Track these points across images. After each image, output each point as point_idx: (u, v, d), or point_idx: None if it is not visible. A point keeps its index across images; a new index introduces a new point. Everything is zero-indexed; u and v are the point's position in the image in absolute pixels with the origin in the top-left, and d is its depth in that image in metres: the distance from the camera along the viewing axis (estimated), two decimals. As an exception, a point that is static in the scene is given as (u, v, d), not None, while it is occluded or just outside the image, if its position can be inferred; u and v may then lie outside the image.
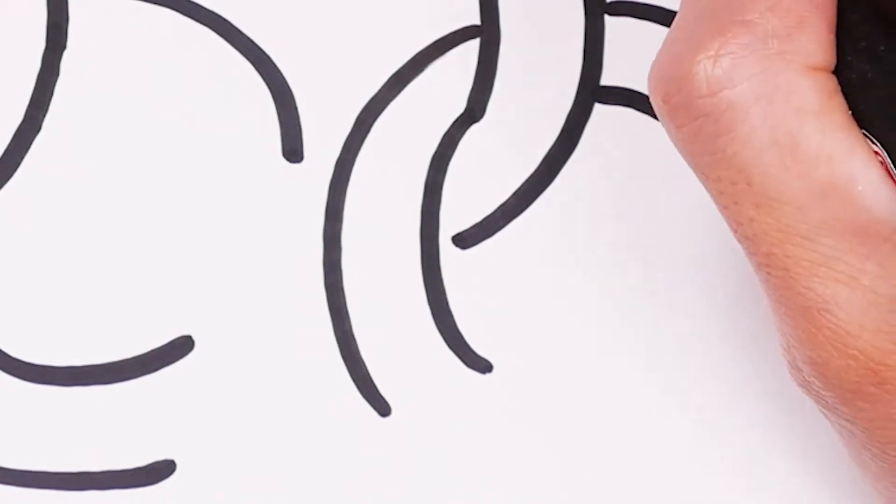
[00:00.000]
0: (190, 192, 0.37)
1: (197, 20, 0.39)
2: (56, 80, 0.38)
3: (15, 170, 0.38)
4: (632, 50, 0.39)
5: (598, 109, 0.38)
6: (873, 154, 0.26)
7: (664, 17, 0.39)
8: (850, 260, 0.26)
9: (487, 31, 0.39)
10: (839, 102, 0.26)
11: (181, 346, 0.36)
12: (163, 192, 0.37)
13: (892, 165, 0.26)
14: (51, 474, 0.36)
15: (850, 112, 0.26)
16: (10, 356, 0.36)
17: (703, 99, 0.26)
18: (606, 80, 0.39)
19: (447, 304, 0.37)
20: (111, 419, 0.36)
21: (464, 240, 0.37)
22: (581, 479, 0.36)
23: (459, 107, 0.38)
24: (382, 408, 0.36)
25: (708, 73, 0.26)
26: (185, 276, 0.37)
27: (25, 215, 0.37)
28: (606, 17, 0.39)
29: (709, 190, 0.27)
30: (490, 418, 0.36)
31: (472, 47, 0.39)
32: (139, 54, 0.38)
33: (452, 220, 0.38)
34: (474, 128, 0.38)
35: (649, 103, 0.38)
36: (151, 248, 0.37)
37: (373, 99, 0.38)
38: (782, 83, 0.26)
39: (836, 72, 0.27)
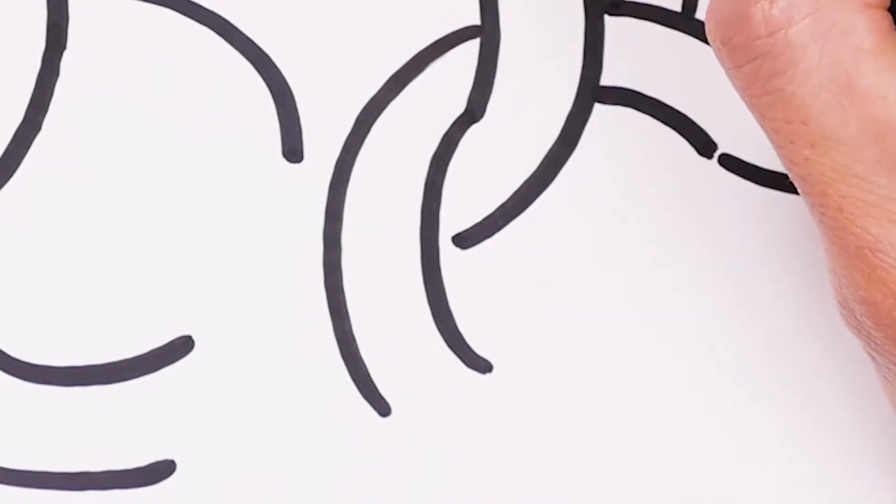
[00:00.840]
0: (190, 192, 0.37)
1: (197, 20, 0.39)
2: (56, 80, 0.38)
3: (15, 170, 0.38)
4: (632, 50, 0.39)
5: (598, 109, 0.38)
6: None
7: (664, 17, 0.39)
8: None
9: (487, 31, 0.39)
10: (894, 42, 0.27)
11: (181, 346, 0.36)
12: (163, 192, 0.37)
13: None
14: (51, 474, 0.35)
15: None
16: (10, 356, 0.36)
17: (762, 39, 0.27)
18: (606, 80, 0.39)
19: (447, 304, 0.37)
20: (111, 419, 0.36)
21: (464, 240, 0.37)
22: (581, 479, 0.36)
23: (459, 107, 0.38)
24: (382, 408, 0.36)
25: (766, 14, 0.27)
26: (185, 276, 0.37)
27: (25, 215, 0.37)
28: (606, 17, 0.39)
29: (765, 129, 0.28)
30: (490, 418, 0.36)
31: (472, 47, 0.39)
32: (139, 54, 0.38)
33: (452, 220, 0.38)
34: (474, 128, 0.38)
35: (649, 103, 0.38)
36: (151, 249, 0.37)
37: (373, 99, 0.38)
38: (838, 21, 0.26)
39: (892, 9, 0.27)
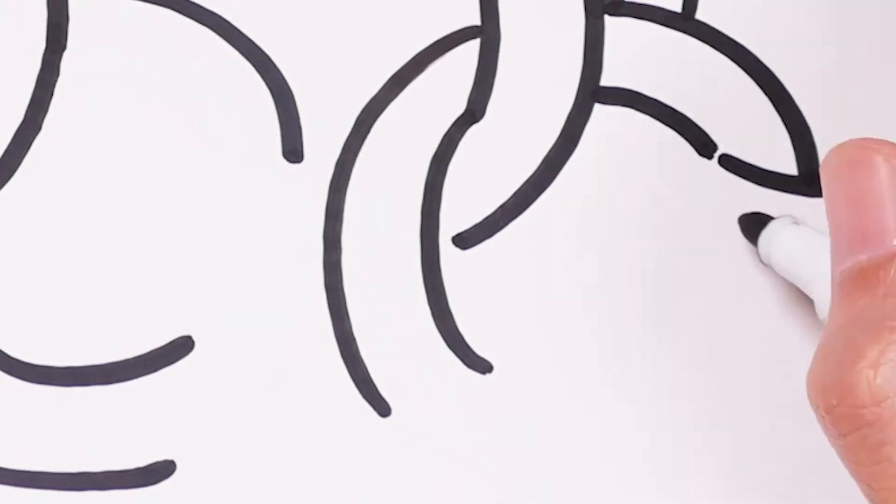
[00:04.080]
0: (190, 192, 0.37)
1: (197, 20, 0.39)
2: (56, 80, 0.38)
3: (15, 170, 0.38)
4: (632, 50, 0.39)
5: (598, 109, 0.38)
6: None
7: (664, 17, 0.39)
8: None
9: (487, 31, 0.39)
10: None
11: (181, 346, 0.36)
12: (163, 192, 0.37)
13: None
14: (51, 474, 0.35)
15: None
16: (10, 356, 0.36)
17: (868, 409, 0.26)
18: (606, 80, 0.39)
19: (447, 304, 0.37)
20: (111, 419, 0.36)
21: (464, 240, 0.37)
22: (581, 479, 0.36)
23: (459, 107, 0.38)
24: (382, 408, 0.36)
25: (870, 382, 0.26)
26: (185, 276, 0.37)
27: (25, 215, 0.37)
28: (606, 17, 0.39)
29: (870, 498, 0.27)
30: (490, 418, 0.36)
31: (472, 47, 0.39)
32: (139, 54, 0.38)
33: (452, 220, 0.38)
34: (474, 128, 0.38)
35: (649, 103, 0.38)
36: (151, 249, 0.37)
37: (373, 99, 0.38)
38: None
39: None
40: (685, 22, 0.39)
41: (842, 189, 0.28)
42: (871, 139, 0.27)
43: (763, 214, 0.37)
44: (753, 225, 0.37)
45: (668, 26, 0.39)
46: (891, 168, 0.27)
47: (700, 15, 0.39)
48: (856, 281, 0.27)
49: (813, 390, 0.27)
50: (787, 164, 0.38)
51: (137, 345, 0.36)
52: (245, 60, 0.38)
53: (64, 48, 0.38)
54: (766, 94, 0.38)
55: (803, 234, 0.35)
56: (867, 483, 0.26)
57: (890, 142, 0.27)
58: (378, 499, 0.36)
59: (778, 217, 0.36)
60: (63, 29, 0.39)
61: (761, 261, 0.36)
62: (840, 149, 0.28)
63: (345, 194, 0.38)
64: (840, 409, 0.26)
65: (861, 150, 0.27)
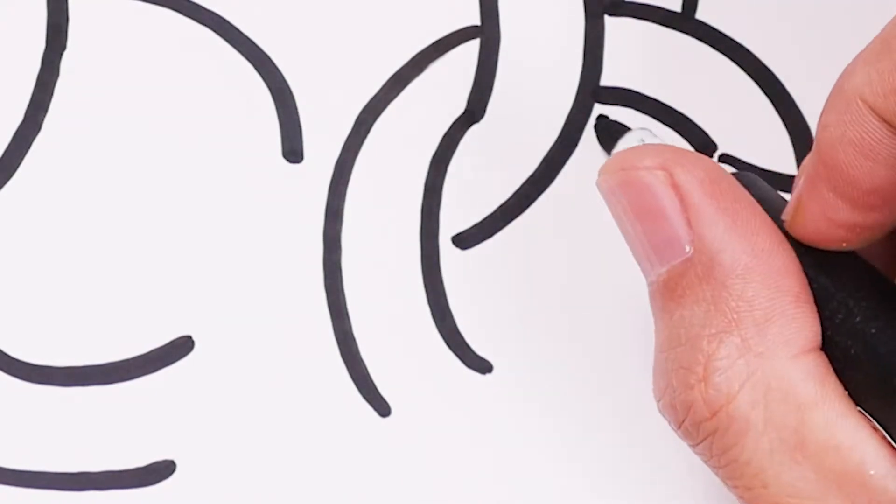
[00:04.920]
0: (190, 192, 0.37)
1: (197, 20, 0.39)
2: (56, 80, 0.38)
3: (15, 170, 0.38)
4: (632, 50, 0.39)
5: (598, 109, 0.38)
6: (875, 432, 0.26)
7: (664, 17, 0.39)
8: None
9: (487, 31, 0.39)
10: (834, 386, 0.26)
11: (181, 346, 0.36)
12: (163, 192, 0.38)
13: (894, 441, 0.26)
14: (50, 474, 0.35)
15: (846, 391, 0.26)
16: (9, 356, 0.36)
17: (707, 421, 0.27)
18: (606, 80, 0.39)
19: (447, 304, 0.37)
20: (111, 419, 0.36)
21: (464, 240, 0.37)
22: (581, 479, 0.36)
23: (459, 107, 0.38)
24: (382, 408, 0.36)
25: (704, 396, 0.27)
26: (185, 276, 0.37)
27: (25, 215, 0.37)
28: (606, 17, 0.39)
29: (732, 493, 0.28)
30: (490, 418, 0.36)
31: (472, 47, 0.39)
32: (139, 54, 0.38)
33: (452, 220, 0.38)
34: (474, 128, 0.38)
35: (649, 103, 0.38)
36: (151, 249, 0.37)
37: (373, 99, 0.38)
38: (773, 382, 0.26)
39: (824, 347, 0.27)
40: (685, 22, 0.39)
41: (622, 209, 0.28)
42: (629, 151, 0.28)
43: (619, 124, 0.36)
44: (608, 134, 0.36)
45: (668, 26, 0.39)
46: (657, 178, 0.27)
47: (700, 15, 0.39)
48: (664, 293, 0.28)
49: (660, 408, 0.28)
50: (787, 164, 0.38)
51: (137, 345, 0.36)
52: (245, 60, 0.38)
53: (64, 48, 0.38)
54: (766, 94, 0.38)
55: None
56: (723, 480, 0.28)
57: (648, 149, 0.28)
58: (378, 499, 0.36)
59: (633, 129, 0.36)
60: (63, 29, 0.39)
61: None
62: (606, 169, 0.29)
63: (345, 194, 0.38)
64: (686, 424, 0.28)
65: (625, 170, 0.28)
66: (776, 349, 0.26)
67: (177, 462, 0.36)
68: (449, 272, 0.37)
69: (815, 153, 0.27)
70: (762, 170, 0.38)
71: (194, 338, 0.37)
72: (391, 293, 0.37)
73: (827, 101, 0.27)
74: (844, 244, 0.27)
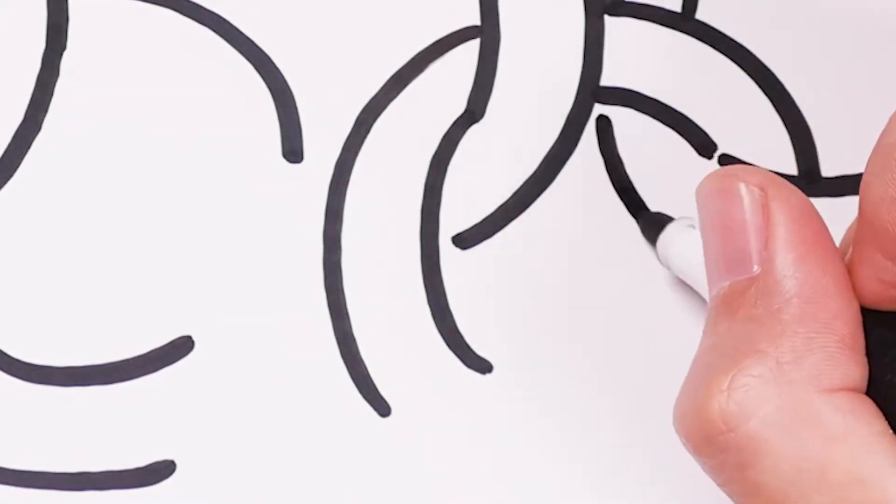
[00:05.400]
0: (190, 192, 0.37)
1: (197, 20, 0.39)
2: (56, 81, 0.38)
3: (15, 170, 0.38)
4: (632, 50, 0.39)
5: (598, 109, 0.38)
6: None
7: (664, 17, 0.39)
8: None
9: (487, 31, 0.39)
10: (867, 419, 0.26)
11: (181, 346, 0.36)
12: (163, 192, 0.38)
13: None
14: (50, 474, 0.35)
15: (885, 424, 0.26)
16: (9, 356, 0.36)
17: (723, 435, 0.26)
18: (606, 80, 0.39)
19: (447, 304, 0.37)
20: (111, 419, 0.36)
21: (464, 240, 0.37)
22: (581, 479, 0.36)
23: (459, 107, 0.38)
24: (382, 408, 0.36)
25: (723, 409, 0.26)
26: (185, 276, 0.37)
27: (25, 215, 0.37)
28: (606, 17, 0.39)
29: None
30: (490, 418, 0.36)
31: (472, 47, 0.39)
32: (139, 54, 0.38)
33: (452, 220, 0.38)
34: (474, 128, 0.38)
35: (649, 103, 0.38)
36: (151, 249, 0.37)
37: (373, 99, 0.38)
38: (801, 410, 0.26)
39: (870, 382, 0.27)
40: (685, 22, 0.39)
41: (710, 216, 0.28)
42: (738, 166, 0.28)
43: (662, 215, 0.37)
44: (652, 226, 0.36)
45: (668, 26, 0.39)
46: (752, 195, 0.27)
47: (700, 15, 0.39)
48: (720, 305, 0.28)
49: (675, 418, 0.27)
50: (787, 164, 0.38)
51: (137, 345, 0.36)
52: (245, 60, 0.38)
53: (64, 48, 0.38)
54: (766, 94, 0.38)
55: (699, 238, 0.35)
56: (735, 502, 0.27)
57: (755, 168, 0.28)
58: (378, 499, 0.36)
59: (676, 219, 0.36)
60: (63, 29, 0.39)
61: (659, 261, 0.36)
62: (710, 176, 0.29)
63: (345, 194, 0.38)
64: (697, 436, 0.27)
65: (726, 178, 0.28)
66: (809, 380, 0.26)
67: (177, 462, 0.36)
68: (449, 272, 0.37)
69: (860, 215, 0.27)
70: (762, 170, 0.38)
71: (194, 338, 0.37)
72: (391, 293, 0.37)
73: (868, 160, 0.27)
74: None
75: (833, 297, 0.27)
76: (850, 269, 0.27)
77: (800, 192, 0.28)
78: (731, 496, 0.27)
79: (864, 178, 0.26)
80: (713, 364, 0.27)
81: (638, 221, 0.37)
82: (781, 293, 0.27)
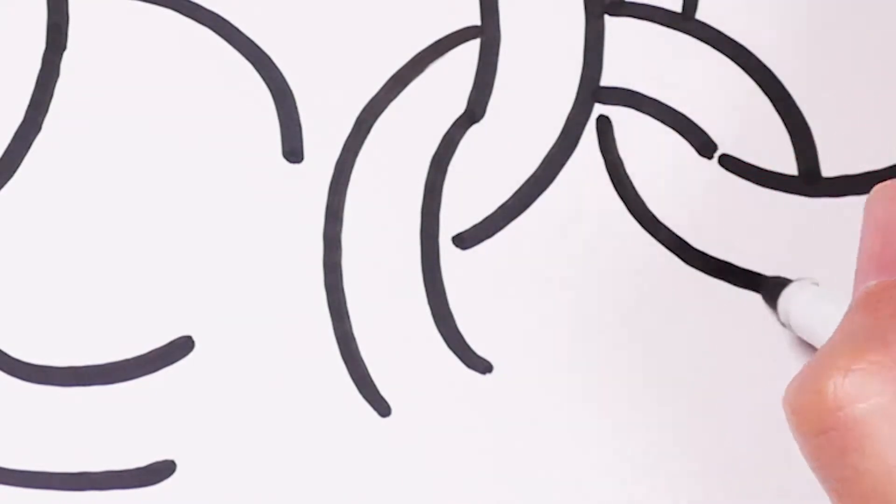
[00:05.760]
0: (190, 192, 0.37)
1: (197, 20, 0.39)
2: (56, 81, 0.38)
3: (15, 170, 0.38)
4: (632, 50, 0.39)
5: (598, 109, 0.38)
6: None
7: (664, 17, 0.39)
8: None
9: (487, 31, 0.39)
10: None
11: (181, 346, 0.36)
12: (163, 192, 0.38)
13: None
14: (51, 474, 0.35)
15: None
16: (10, 356, 0.36)
17: (832, 414, 0.26)
18: (606, 80, 0.39)
19: (447, 304, 0.37)
20: (111, 419, 0.36)
21: (464, 240, 0.37)
22: (580, 478, 0.36)
23: (459, 107, 0.38)
24: (382, 408, 0.36)
25: (837, 387, 0.26)
26: (185, 276, 0.37)
27: (25, 215, 0.37)
28: (606, 17, 0.39)
29: None
30: (490, 418, 0.36)
31: (472, 47, 0.39)
32: (139, 54, 0.38)
33: (452, 220, 0.38)
34: (474, 128, 0.38)
35: (649, 103, 0.38)
36: (151, 249, 0.37)
37: (373, 99, 0.38)
38: None
39: None
40: (685, 22, 0.39)
41: (873, 217, 0.28)
42: None
43: (782, 278, 0.37)
44: (773, 288, 0.37)
45: (668, 26, 0.39)
46: None
47: (700, 15, 0.39)
48: (864, 300, 0.27)
49: (788, 392, 0.27)
50: (787, 164, 0.38)
51: (137, 345, 0.36)
52: (245, 60, 0.38)
53: (64, 48, 0.38)
54: (766, 94, 0.38)
55: (822, 295, 0.35)
56: (835, 490, 0.26)
57: None
58: (378, 499, 0.36)
59: (797, 280, 0.36)
60: (63, 29, 0.39)
61: (780, 322, 0.36)
62: (885, 184, 0.29)
63: (345, 194, 0.38)
64: (805, 410, 0.26)
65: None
66: None
67: (177, 462, 0.36)
68: (449, 272, 0.37)
69: None
70: (762, 170, 0.38)
71: (194, 338, 0.37)
72: (391, 293, 0.37)
73: None
74: None
75: None
76: None
77: None
78: (826, 484, 0.27)
79: None
80: (840, 346, 0.27)
81: (759, 290, 0.37)
82: None
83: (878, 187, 0.28)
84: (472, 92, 0.38)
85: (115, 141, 0.38)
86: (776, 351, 0.37)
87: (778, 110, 0.38)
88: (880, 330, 0.26)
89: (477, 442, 0.36)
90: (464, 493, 0.36)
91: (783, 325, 0.36)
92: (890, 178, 0.38)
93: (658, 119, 0.38)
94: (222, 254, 0.37)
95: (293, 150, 0.38)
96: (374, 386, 0.36)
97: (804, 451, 0.27)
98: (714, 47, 0.39)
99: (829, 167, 0.38)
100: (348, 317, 0.37)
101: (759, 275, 0.37)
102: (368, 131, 0.38)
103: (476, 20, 0.39)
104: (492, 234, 0.37)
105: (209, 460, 0.36)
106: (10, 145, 0.38)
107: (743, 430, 0.36)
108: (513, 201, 0.38)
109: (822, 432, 0.26)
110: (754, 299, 0.37)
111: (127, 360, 0.36)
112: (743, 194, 0.38)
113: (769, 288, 0.37)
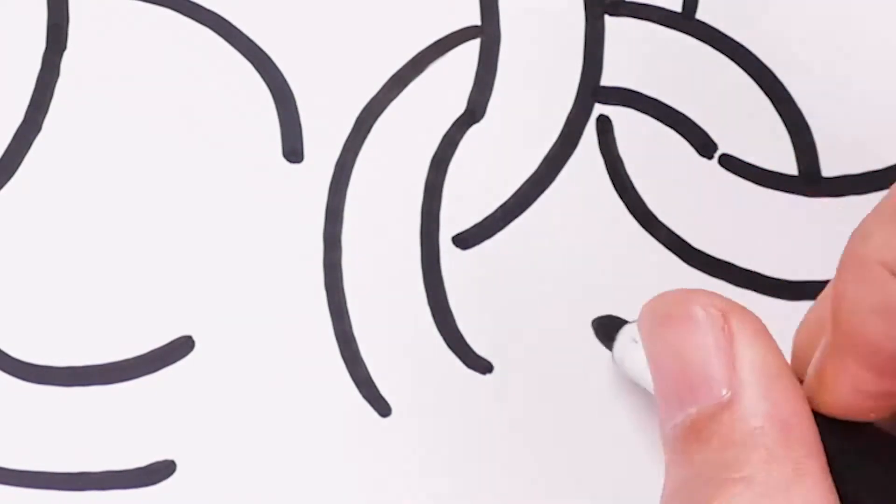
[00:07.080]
0: (190, 192, 0.38)
1: (197, 20, 0.39)
2: (56, 81, 0.38)
3: (15, 170, 0.38)
4: (632, 50, 0.39)
5: (598, 109, 0.38)
6: None
7: (664, 17, 0.39)
8: None
9: (487, 31, 0.39)
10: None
11: (181, 346, 0.36)
12: (163, 192, 0.38)
13: None
14: (51, 474, 0.36)
15: None
16: (10, 356, 0.36)
17: None
18: (606, 80, 0.39)
19: (447, 304, 0.37)
20: (111, 419, 0.36)
21: (464, 240, 0.37)
22: (581, 479, 0.36)
23: (459, 107, 0.38)
24: (382, 408, 0.36)
25: None
26: (185, 276, 0.37)
27: (25, 215, 0.37)
28: (606, 17, 0.39)
29: None
30: (490, 418, 0.36)
31: (472, 47, 0.39)
32: (139, 54, 0.38)
33: (452, 220, 0.38)
34: (474, 128, 0.38)
35: (649, 103, 0.38)
36: (152, 249, 0.37)
37: (373, 99, 0.38)
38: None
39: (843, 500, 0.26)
40: (685, 22, 0.39)
41: (663, 344, 0.27)
42: (685, 290, 0.27)
43: (617, 318, 0.36)
44: (608, 328, 0.36)
45: (668, 26, 0.39)
46: (710, 317, 0.27)
47: (700, 15, 0.39)
48: (688, 436, 0.27)
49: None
50: (787, 164, 0.38)
51: (137, 345, 0.36)
52: (245, 60, 0.38)
53: (64, 48, 0.38)
54: (766, 94, 0.38)
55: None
56: None
57: (704, 291, 0.27)
58: (378, 499, 0.36)
59: (632, 322, 0.35)
60: (63, 29, 0.39)
61: (615, 363, 0.35)
62: (654, 304, 0.28)
63: (345, 194, 0.38)
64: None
65: (677, 304, 0.27)
66: None
67: (177, 462, 0.36)
68: (449, 272, 0.37)
69: (835, 325, 0.26)
70: (762, 170, 0.38)
71: (194, 338, 0.37)
72: (391, 293, 0.37)
73: (840, 268, 0.26)
74: (872, 414, 0.26)
75: (808, 419, 0.26)
76: (820, 379, 0.26)
77: (751, 312, 0.27)
78: None
79: (835, 287, 0.26)
80: (695, 497, 0.26)
81: (592, 326, 0.36)
82: (760, 416, 0.26)
83: (647, 309, 0.27)
84: (472, 92, 0.38)
85: (115, 141, 0.38)
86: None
87: (778, 110, 0.38)
88: (728, 465, 0.26)
89: (477, 442, 0.36)
90: (464, 493, 0.36)
91: (617, 365, 0.36)
92: (890, 178, 0.38)
93: (658, 119, 0.38)
94: (222, 254, 0.37)
95: (293, 150, 0.38)
96: (374, 386, 0.36)
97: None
98: (714, 47, 0.39)
99: (829, 167, 0.38)
100: (348, 317, 0.37)
101: (759, 275, 0.37)
102: (368, 131, 0.38)
103: (476, 20, 0.39)
104: (492, 234, 0.37)
105: (209, 460, 0.36)
106: (10, 145, 0.38)
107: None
108: (513, 201, 0.38)
109: None
110: (754, 299, 0.37)
111: (127, 360, 0.36)
112: (743, 194, 0.38)
113: (603, 328, 0.36)
